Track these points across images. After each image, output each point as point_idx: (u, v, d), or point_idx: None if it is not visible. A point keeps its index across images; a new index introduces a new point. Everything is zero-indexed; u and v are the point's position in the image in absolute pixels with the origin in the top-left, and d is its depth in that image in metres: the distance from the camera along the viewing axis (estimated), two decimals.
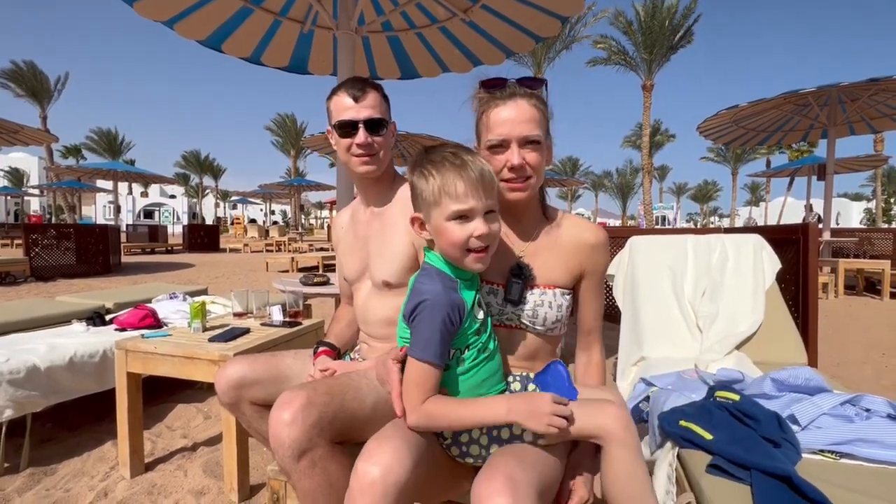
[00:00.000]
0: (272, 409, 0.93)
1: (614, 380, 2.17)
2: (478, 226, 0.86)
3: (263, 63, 3.52)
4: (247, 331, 1.78)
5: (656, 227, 25.93)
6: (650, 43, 20.22)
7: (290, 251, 13.66)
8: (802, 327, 2.14)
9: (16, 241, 14.60)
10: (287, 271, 8.81)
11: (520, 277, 1.01)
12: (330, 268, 9.00)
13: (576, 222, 1.09)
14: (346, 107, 1.14)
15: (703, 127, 7.78)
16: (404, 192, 1.22)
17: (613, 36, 21.05)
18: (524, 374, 1.05)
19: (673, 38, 20.14)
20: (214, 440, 1.99)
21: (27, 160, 41.51)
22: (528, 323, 1.02)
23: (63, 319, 2.72)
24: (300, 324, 1.92)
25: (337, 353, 1.31)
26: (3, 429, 1.68)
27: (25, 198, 34.37)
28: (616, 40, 21.04)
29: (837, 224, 26.25)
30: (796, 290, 2.27)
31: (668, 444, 1.23)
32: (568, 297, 1.04)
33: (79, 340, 2.03)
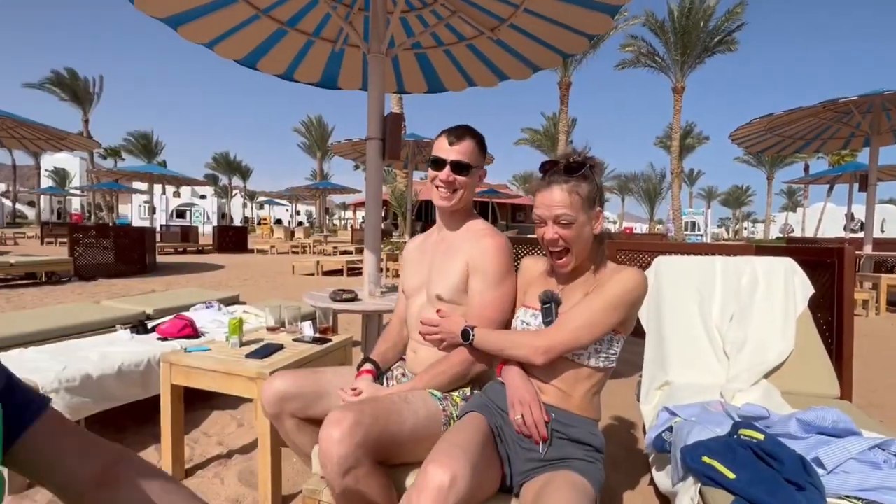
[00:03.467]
0: (323, 425, 1.03)
1: (637, 401, 2.17)
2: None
3: (296, 79, 3.65)
4: (281, 347, 1.87)
5: (685, 232, 25.22)
6: (683, 44, 19.72)
7: (315, 253, 13.97)
8: (836, 357, 2.08)
9: (60, 240, 15.45)
10: (312, 274, 9.03)
11: (546, 303, 1.19)
12: (354, 272, 9.17)
13: (617, 268, 1.20)
14: (443, 147, 1.34)
15: (735, 135, 7.58)
16: (473, 225, 1.40)
17: (644, 37, 20.61)
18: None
19: (709, 41, 19.56)
20: (247, 448, 2.09)
21: (70, 161, 43.75)
22: None
23: (108, 325, 2.89)
24: (330, 340, 2.00)
25: (378, 372, 1.41)
26: None
27: (67, 197, 36.21)
28: (647, 41, 20.62)
29: (882, 232, 24.85)
30: (830, 317, 2.21)
31: (691, 479, 1.25)
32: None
33: (126, 349, 2.17)
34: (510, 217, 27.87)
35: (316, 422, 1.36)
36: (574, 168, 1.14)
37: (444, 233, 1.43)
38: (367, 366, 1.39)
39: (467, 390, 1.30)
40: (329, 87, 3.82)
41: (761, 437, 1.19)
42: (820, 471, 1.11)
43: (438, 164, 1.33)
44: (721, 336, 2.13)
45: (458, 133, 1.34)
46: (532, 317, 1.21)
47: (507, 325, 1.31)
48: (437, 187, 1.34)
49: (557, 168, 1.16)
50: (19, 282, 7.06)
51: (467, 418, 1.13)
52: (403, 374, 1.43)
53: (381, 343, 1.53)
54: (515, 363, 1.21)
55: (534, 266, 1.35)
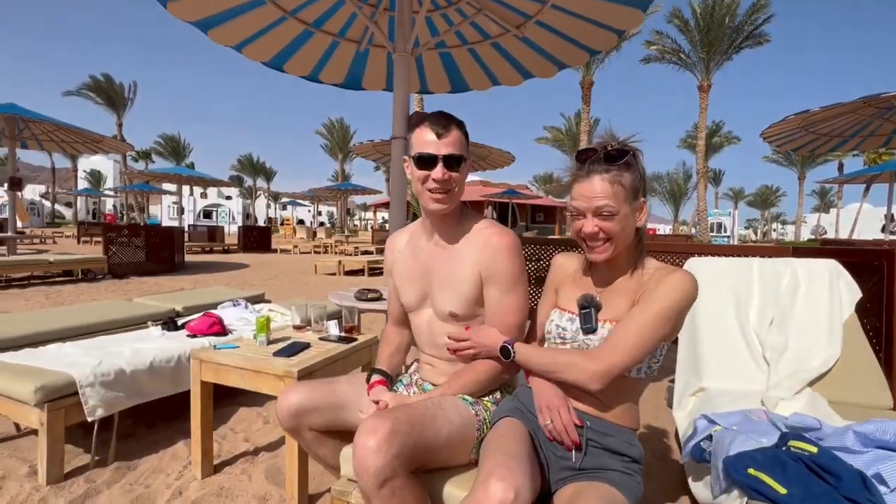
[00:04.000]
0: (357, 433, 0.98)
1: (669, 406, 2.09)
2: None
3: (321, 80, 3.68)
4: (307, 345, 1.87)
5: (711, 234, 24.50)
6: (708, 42, 19.19)
7: (336, 253, 14.14)
8: (886, 364, 1.97)
9: (94, 239, 16.07)
10: (334, 274, 9.12)
11: (585, 308, 1.11)
12: (374, 272, 9.22)
13: (662, 267, 1.11)
14: (429, 141, 1.17)
15: (768, 133, 7.30)
16: (472, 225, 1.27)
17: (669, 33, 20.13)
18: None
19: (735, 37, 18.96)
20: (274, 445, 2.10)
21: (104, 163, 45.55)
22: None
23: (140, 321, 2.97)
24: (355, 339, 2.00)
25: (389, 381, 1.37)
26: (96, 426, 1.87)
27: (102, 198, 37.68)
28: (672, 38, 20.13)
29: None
30: (878, 322, 2.09)
31: (736, 492, 1.18)
32: None
33: (157, 346, 2.21)
34: (530, 218, 27.64)
35: (335, 433, 1.34)
36: (615, 156, 1.05)
37: (438, 240, 1.28)
38: (377, 376, 1.33)
39: (497, 394, 1.26)
40: (353, 88, 3.83)
41: (814, 449, 1.12)
42: (882, 488, 1.03)
43: (428, 161, 1.16)
44: (760, 341, 2.03)
45: (444, 122, 1.18)
46: (568, 321, 1.14)
47: (524, 325, 1.26)
48: (428, 190, 1.18)
49: (597, 156, 1.06)
50: (57, 278, 7.35)
51: (507, 424, 1.09)
52: (423, 381, 1.37)
53: (383, 348, 1.46)
54: None
55: (567, 263, 1.27)
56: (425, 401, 1.13)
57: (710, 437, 1.47)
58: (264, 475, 1.84)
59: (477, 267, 1.20)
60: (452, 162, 1.18)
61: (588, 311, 1.10)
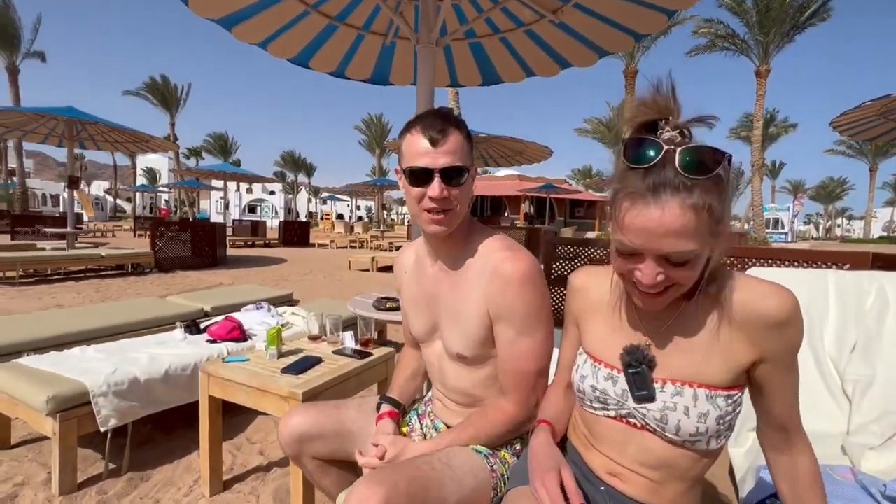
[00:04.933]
0: (345, 501, 0.83)
1: None
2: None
3: (347, 76, 3.57)
4: (319, 360, 1.76)
5: (767, 230, 22.83)
6: (768, 21, 17.72)
7: (371, 248, 14.25)
8: None
9: (149, 233, 17.04)
10: (368, 270, 9.14)
11: (633, 366, 0.79)
12: None
13: (749, 288, 0.75)
14: (422, 151, 0.94)
15: (839, 122, 6.57)
16: (481, 246, 1.04)
17: (721, 18, 18.80)
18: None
19: (798, 17, 17.42)
20: (286, 461, 2.01)
21: (160, 160, 48.42)
22: (655, 427, 0.79)
23: (169, 322, 2.99)
24: (371, 354, 1.86)
25: (402, 411, 1.22)
26: (109, 435, 1.84)
27: (157, 193, 40.11)
28: (724, 22, 18.78)
29: None
30: None
31: None
32: (726, 400, 0.75)
33: (174, 352, 2.18)
34: (569, 213, 26.83)
35: (340, 463, 1.21)
36: (703, 164, 0.66)
37: (443, 264, 1.08)
38: (386, 407, 1.18)
39: (517, 444, 1.08)
40: (380, 84, 3.70)
41: None
42: None
43: (422, 176, 0.94)
44: (838, 371, 1.73)
45: (440, 126, 0.94)
46: (608, 380, 0.83)
47: (546, 370, 1.03)
48: (425, 210, 0.97)
49: (668, 159, 0.67)
50: (109, 272, 7.77)
51: (527, 500, 0.83)
52: (435, 417, 1.21)
53: (398, 374, 1.30)
54: (548, 425, 0.90)
55: (593, 285, 0.91)
56: (432, 457, 0.95)
57: (777, 497, 1.22)
58: (272, 497, 1.75)
59: (484, 303, 0.99)
60: (452, 175, 0.94)
61: (639, 372, 0.78)
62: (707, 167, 0.66)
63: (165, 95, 34.57)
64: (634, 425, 0.81)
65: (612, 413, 0.83)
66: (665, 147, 0.68)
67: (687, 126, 0.70)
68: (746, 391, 0.80)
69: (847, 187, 54.06)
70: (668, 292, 0.73)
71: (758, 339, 0.74)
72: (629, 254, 0.72)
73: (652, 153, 0.68)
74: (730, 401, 0.76)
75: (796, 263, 2.56)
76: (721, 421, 0.75)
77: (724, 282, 0.76)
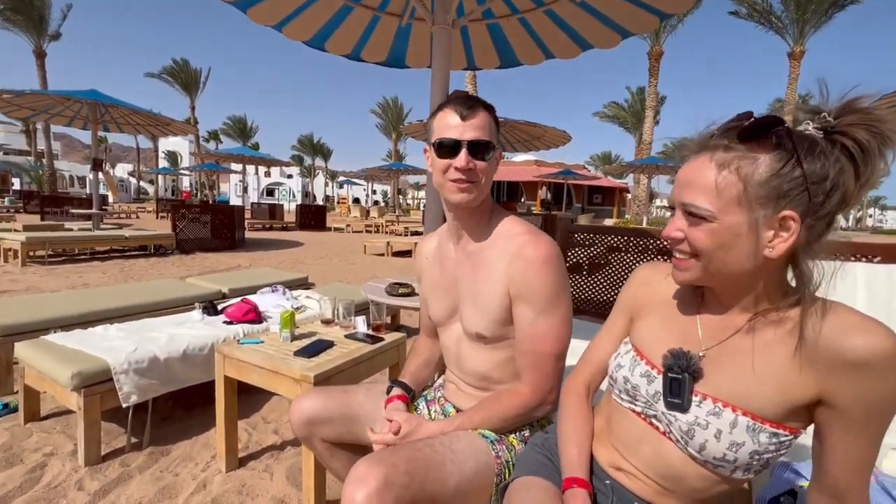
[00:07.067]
0: (347, 480, 0.85)
1: None
2: None
3: (363, 59, 3.53)
4: (331, 344, 1.78)
5: None
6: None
7: (387, 233, 14.33)
8: None
9: (171, 214, 17.44)
10: (383, 254, 9.20)
11: (675, 373, 0.74)
12: None
13: (838, 316, 0.63)
14: (451, 125, 0.99)
15: (877, 106, 6.24)
16: (503, 228, 1.06)
17: None
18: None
19: None
20: (300, 441, 2.06)
21: (181, 143, 49.33)
22: (678, 437, 0.74)
23: (189, 302, 3.07)
24: (382, 339, 1.88)
25: (411, 397, 1.23)
26: (131, 411, 1.91)
27: (179, 176, 40.88)
28: None
29: None
30: None
31: None
32: (770, 437, 0.67)
33: (192, 332, 2.23)
34: (587, 199, 26.40)
35: (348, 446, 1.23)
36: (753, 130, 0.64)
37: (466, 244, 1.11)
38: (398, 390, 1.21)
39: (526, 431, 1.08)
40: (396, 66, 3.65)
41: None
42: None
43: (450, 148, 0.99)
44: None
45: (470, 103, 1.00)
46: (644, 378, 0.79)
47: (564, 355, 1.03)
48: (450, 181, 1.00)
49: (731, 125, 0.67)
50: (133, 252, 8.00)
51: (526, 491, 0.86)
52: (446, 401, 1.23)
53: (411, 359, 1.33)
54: (586, 489, 0.81)
55: (660, 280, 0.87)
56: (434, 440, 0.96)
57: (792, 494, 1.19)
58: (286, 475, 1.80)
59: (505, 283, 1.01)
60: (478, 148, 0.99)
61: (680, 380, 0.73)
62: (754, 133, 0.64)
63: (186, 79, 34.95)
64: (657, 429, 0.78)
65: (639, 409, 0.81)
66: (752, 116, 0.67)
67: (828, 113, 0.65)
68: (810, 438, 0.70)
69: (880, 175, 51.67)
70: (690, 262, 0.71)
71: (825, 375, 0.63)
72: (670, 206, 0.74)
73: (743, 119, 0.68)
74: (775, 440, 0.67)
75: (822, 255, 2.47)
76: (756, 457, 0.68)
77: (808, 305, 0.66)
